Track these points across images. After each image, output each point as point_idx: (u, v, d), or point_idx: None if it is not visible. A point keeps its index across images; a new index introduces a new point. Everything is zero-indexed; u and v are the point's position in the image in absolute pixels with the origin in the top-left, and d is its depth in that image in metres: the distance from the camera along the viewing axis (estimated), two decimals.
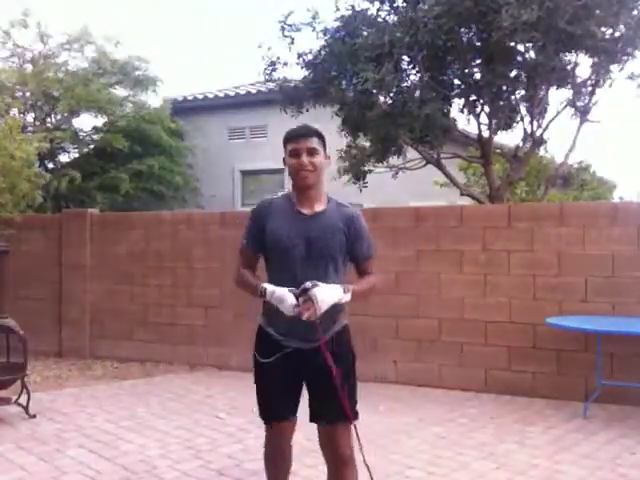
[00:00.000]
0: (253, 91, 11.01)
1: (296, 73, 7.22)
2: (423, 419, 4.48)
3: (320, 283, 2.29)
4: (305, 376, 2.50)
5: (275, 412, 2.50)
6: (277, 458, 2.58)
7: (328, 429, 2.45)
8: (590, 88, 6.65)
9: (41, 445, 3.88)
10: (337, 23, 6.73)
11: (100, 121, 9.65)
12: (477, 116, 7.01)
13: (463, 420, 4.46)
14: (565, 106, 6.80)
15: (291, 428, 2.53)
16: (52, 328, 6.93)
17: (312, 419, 2.48)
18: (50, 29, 9.40)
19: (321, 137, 2.47)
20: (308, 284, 2.25)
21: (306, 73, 6.96)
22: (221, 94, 11.43)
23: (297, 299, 2.26)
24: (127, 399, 5.07)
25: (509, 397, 5.08)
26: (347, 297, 2.35)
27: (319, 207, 2.47)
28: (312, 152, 2.41)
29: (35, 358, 6.16)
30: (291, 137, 2.45)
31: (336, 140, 7.39)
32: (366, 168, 7.26)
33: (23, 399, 4.47)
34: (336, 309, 2.40)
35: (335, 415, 2.41)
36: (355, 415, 2.47)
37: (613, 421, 4.41)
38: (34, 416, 4.45)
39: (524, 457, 3.67)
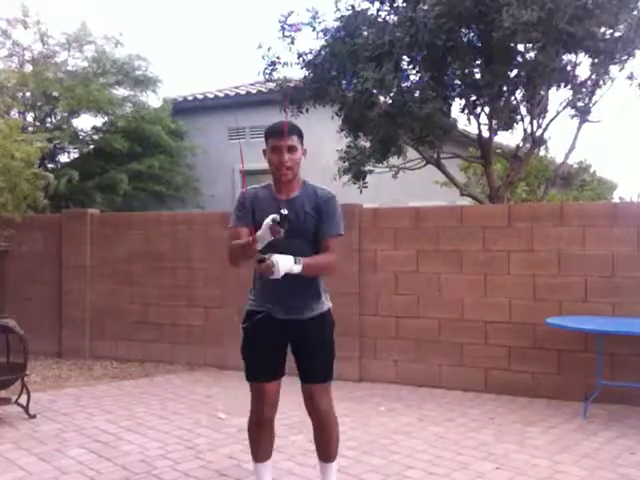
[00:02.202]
0: (253, 91, 11.01)
1: (296, 73, 7.22)
2: (423, 419, 4.48)
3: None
4: (288, 342, 2.78)
5: (256, 372, 2.74)
6: (260, 424, 2.80)
7: (306, 388, 2.76)
8: (590, 88, 6.66)
9: (41, 445, 3.87)
10: (337, 23, 6.73)
11: (100, 121, 9.66)
12: (477, 116, 7.01)
13: (463, 420, 4.46)
14: (565, 106, 6.81)
15: (272, 390, 2.74)
16: (52, 328, 6.93)
17: (299, 376, 2.79)
18: (50, 29, 9.39)
19: (300, 134, 2.71)
20: (284, 211, 2.45)
21: (306, 73, 6.96)
22: (221, 94, 11.43)
23: (274, 222, 2.41)
24: (127, 399, 5.07)
25: (509, 397, 5.08)
26: (297, 268, 2.53)
27: (294, 193, 2.72)
28: (292, 149, 2.64)
29: (35, 358, 6.16)
30: (273, 134, 2.65)
31: (336, 140, 7.40)
32: (366, 168, 7.25)
33: (23, 399, 4.47)
34: (309, 294, 2.72)
35: (312, 378, 2.74)
36: (330, 377, 2.79)
37: (613, 421, 4.41)
38: (34, 416, 4.45)
39: (524, 457, 3.67)
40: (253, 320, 2.75)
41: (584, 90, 6.66)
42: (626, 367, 4.77)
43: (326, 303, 2.83)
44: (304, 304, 2.74)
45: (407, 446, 3.86)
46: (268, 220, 2.43)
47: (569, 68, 6.55)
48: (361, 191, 7.25)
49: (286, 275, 2.50)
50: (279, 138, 2.61)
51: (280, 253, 2.51)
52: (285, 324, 2.74)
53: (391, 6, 6.80)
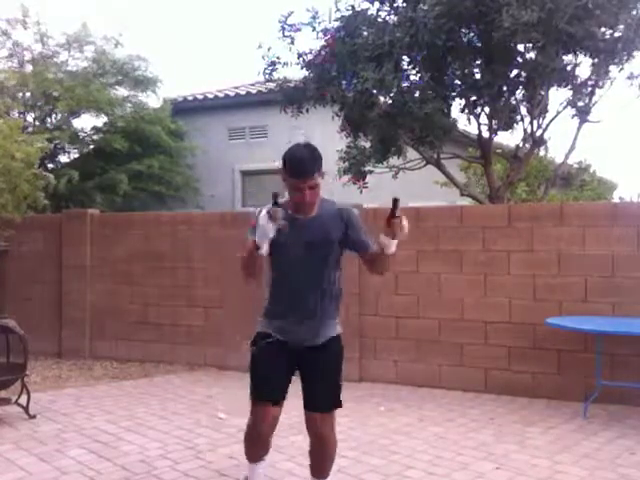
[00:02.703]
0: (253, 91, 11.00)
1: (296, 73, 7.22)
2: (423, 419, 4.48)
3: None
4: (297, 366, 2.74)
5: (263, 393, 2.69)
6: (258, 438, 2.78)
7: (310, 415, 2.72)
8: (590, 88, 6.66)
9: (41, 445, 3.87)
10: (337, 23, 6.73)
11: (100, 121, 9.66)
12: (477, 116, 7.01)
13: (463, 420, 4.46)
14: (565, 106, 6.81)
15: (275, 413, 2.70)
16: (52, 328, 6.93)
17: (303, 401, 2.75)
18: (50, 29, 9.39)
19: (319, 164, 2.57)
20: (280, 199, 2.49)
21: (306, 73, 6.96)
22: (221, 94, 11.43)
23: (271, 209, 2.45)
24: (127, 399, 5.07)
25: (509, 397, 5.08)
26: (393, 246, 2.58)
27: (313, 212, 2.66)
28: (313, 187, 2.55)
29: (35, 358, 6.16)
30: (294, 175, 2.52)
31: (336, 140, 7.40)
32: (366, 168, 7.26)
33: (23, 399, 4.47)
34: (329, 319, 2.72)
35: (316, 406, 2.71)
36: (337, 404, 2.75)
37: (613, 421, 4.41)
38: (34, 416, 4.45)
39: (524, 457, 3.67)
40: (262, 343, 2.71)
41: (584, 90, 6.66)
42: (626, 367, 4.77)
43: (338, 327, 2.78)
44: (317, 331, 2.70)
45: (407, 446, 3.86)
46: (263, 213, 2.44)
47: (569, 68, 6.55)
48: (361, 191, 7.25)
49: (308, 284, 2.60)
50: (300, 181, 2.51)
51: (299, 269, 2.59)
52: (298, 350, 2.70)
53: (391, 6, 6.80)
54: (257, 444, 2.82)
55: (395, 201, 2.52)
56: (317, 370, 2.72)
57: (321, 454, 2.82)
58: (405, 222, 2.54)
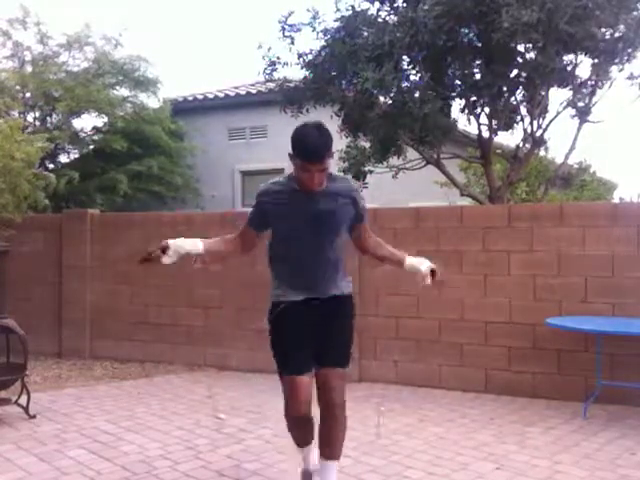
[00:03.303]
0: (253, 91, 11.01)
1: (296, 73, 7.22)
2: (423, 419, 4.48)
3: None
4: (311, 327, 2.71)
5: (290, 365, 2.67)
6: (300, 423, 2.77)
7: (321, 373, 2.68)
8: (590, 89, 6.66)
9: (41, 445, 3.87)
10: (337, 23, 6.74)
11: (100, 122, 9.67)
12: (477, 116, 7.01)
13: (463, 420, 4.46)
14: (565, 106, 6.81)
15: (307, 384, 2.66)
16: (52, 328, 6.93)
17: (315, 360, 2.71)
18: (50, 30, 9.41)
19: (330, 148, 2.56)
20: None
21: (306, 73, 6.96)
22: (221, 94, 11.44)
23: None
24: (127, 399, 5.07)
25: (509, 397, 5.07)
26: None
27: (322, 186, 2.63)
28: (323, 170, 2.54)
29: (35, 358, 6.15)
30: (304, 157, 2.50)
31: (336, 140, 7.40)
32: (366, 168, 7.26)
33: (23, 399, 4.47)
34: (335, 273, 2.75)
35: (327, 359, 2.68)
36: (346, 363, 2.74)
37: (613, 421, 4.41)
38: (34, 416, 4.45)
39: (524, 457, 3.67)
40: (279, 309, 2.74)
41: (584, 90, 6.67)
42: (626, 367, 4.76)
43: (350, 286, 2.84)
44: (330, 280, 2.74)
45: (407, 446, 3.86)
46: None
47: (569, 68, 6.56)
48: (361, 191, 7.24)
49: (314, 255, 2.64)
50: (310, 164, 2.49)
51: (304, 241, 2.63)
52: (310, 306, 2.71)
53: (391, 6, 6.81)
54: (299, 423, 2.79)
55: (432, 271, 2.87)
56: (330, 327, 2.72)
57: (334, 429, 2.72)
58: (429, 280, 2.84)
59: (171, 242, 2.60)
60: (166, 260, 2.59)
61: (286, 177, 2.71)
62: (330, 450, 2.78)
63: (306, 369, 2.67)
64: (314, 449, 2.93)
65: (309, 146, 2.47)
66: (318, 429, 2.79)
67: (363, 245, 2.91)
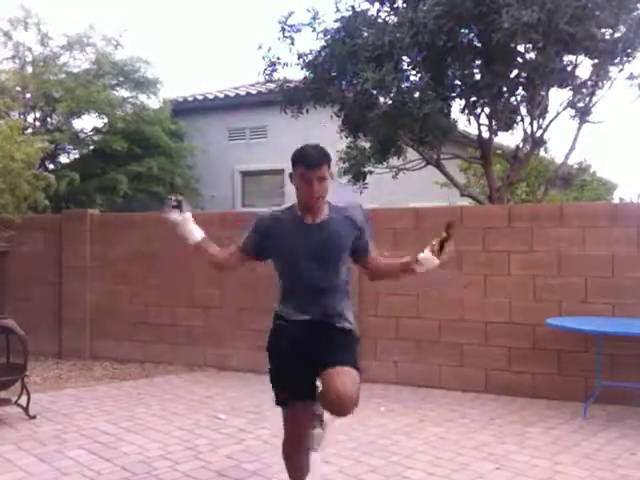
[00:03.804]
0: (253, 92, 11.01)
1: (296, 74, 7.23)
2: (423, 420, 4.48)
3: None
4: (315, 351, 2.56)
5: (289, 393, 2.61)
6: (298, 450, 2.67)
7: (328, 372, 2.47)
8: (590, 89, 6.66)
9: (41, 446, 3.87)
10: (337, 24, 6.74)
11: (100, 122, 9.67)
12: (477, 117, 7.01)
13: (463, 421, 4.46)
14: (565, 107, 6.81)
15: (306, 412, 2.60)
16: (52, 329, 6.93)
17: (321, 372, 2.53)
18: (50, 30, 9.41)
19: (329, 159, 2.60)
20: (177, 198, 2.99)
21: (306, 74, 6.96)
22: (221, 95, 11.44)
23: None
24: (127, 400, 5.07)
25: (509, 398, 5.07)
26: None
27: (322, 216, 2.63)
28: (322, 179, 2.55)
29: (35, 359, 6.15)
30: (303, 164, 2.55)
31: (336, 141, 7.40)
32: (366, 169, 7.26)
33: (23, 400, 4.47)
34: (341, 302, 2.65)
35: (336, 362, 2.48)
36: (354, 363, 2.54)
37: (613, 422, 4.41)
38: (34, 417, 4.45)
39: (524, 458, 3.67)
40: (282, 325, 2.67)
41: (584, 91, 6.66)
42: (626, 368, 4.76)
43: (354, 324, 2.71)
44: (336, 308, 2.63)
45: (407, 447, 3.86)
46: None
47: (569, 69, 6.55)
48: (361, 192, 7.25)
49: (315, 282, 2.58)
50: (309, 169, 2.52)
51: (307, 280, 2.59)
52: (314, 331, 2.59)
53: (391, 7, 6.81)
54: (299, 457, 2.69)
55: (450, 225, 2.65)
56: (333, 346, 2.56)
57: (336, 411, 2.49)
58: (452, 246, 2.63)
59: (188, 213, 2.91)
60: (172, 215, 2.89)
61: (287, 207, 2.73)
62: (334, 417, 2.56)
63: (305, 398, 2.59)
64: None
65: (308, 153, 2.56)
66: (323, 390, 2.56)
67: (372, 274, 2.81)
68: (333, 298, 2.65)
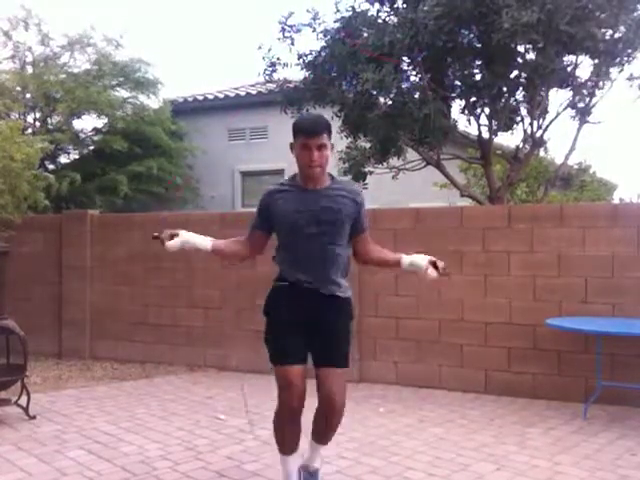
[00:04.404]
0: (253, 92, 11.01)
1: (296, 74, 7.23)
2: (423, 420, 4.48)
3: None
4: (308, 323, 2.71)
5: (283, 354, 2.68)
6: (288, 417, 2.70)
7: (320, 372, 2.69)
8: (590, 89, 6.66)
9: (41, 446, 3.87)
10: (337, 24, 6.74)
11: (100, 122, 9.67)
12: (477, 117, 7.01)
13: (463, 421, 4.45)
14: (565, 107, 6.81)
15: (300, 375, 2.65)
16: (52, 329, 6.93)
17: (314, 363, 2.74)
18: (51, 30, 9.42)
19: (329, 130, 2.66)
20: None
21: (306, 74, 6.96)
22: (221, 95, 11.44)
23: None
24: (127, 400, 5.06)
25: (509, 398, 5.07)
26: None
27: (323, 185, 2.72)
28: (322, 147, 2.61)
29: (35, 359, 6.15)
30: (303, 131, 2.61)
31: (336, 141, 7.40)
32: (366, 169, 7.25)
33: (23, 400, 4.47)
34: (337, 270, 2.75)
35: (326, 359, 2.70)
36: (345, 364, 2.75)
37: (613, 422, 4.41)
38: (34, 417, 4.45)
39: (524, 458, 3.67)
40: (277, 292, 2.78)
41: (584, 91, 6.66)
42: (626, 368, 4.76)
43: (349, 291, 2.85)
44: (332, 276, 2.74)
45: (407, 447, 3.86)
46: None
47: (569, 69, 6.55)
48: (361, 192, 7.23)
49: (317, 250, 2.67)
50: (309, 137, 2.58)
51: (308, 238, 2.65)
52: (310, 296, 2.72)
53: (391, 7, 6.80)
54: (288, 426, 2.73)
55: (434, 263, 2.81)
56: (330, 326, 2.73)
57: (330, 423, 2.74)
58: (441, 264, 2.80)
59: (182, 232, 2.79)
60: (169, 245, 2.76)
61: (289, 177, 2.81)
62: (324, 438, 2.87)
63: (300, 360, 2.68)
64: (296, 464, 2.88)
65: (307, 121, 2.67)
66: (314, 418, 2.79)
67: (364, 257, 2.92)
68: (332, 266, 2.73)
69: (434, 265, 2.82)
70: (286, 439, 2.79)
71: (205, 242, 2.83)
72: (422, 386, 5.43)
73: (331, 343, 2.73)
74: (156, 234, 2.79)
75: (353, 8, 6.72)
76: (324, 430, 2.80)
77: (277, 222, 2.74)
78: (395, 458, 3.66)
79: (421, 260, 2.84)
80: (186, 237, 2.79)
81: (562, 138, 7.78)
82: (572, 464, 3.58)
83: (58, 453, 3.75)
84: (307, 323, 2.73)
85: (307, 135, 2.58)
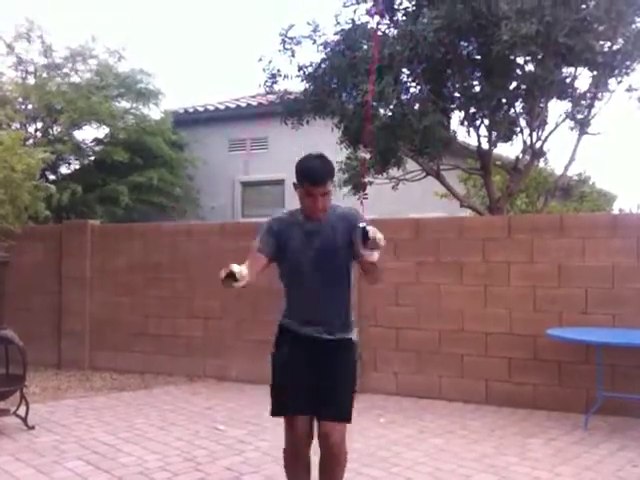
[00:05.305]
0: (254, 103, 11.06)
1: (296, 85, 7.27)
2: (424, 431, 4.46)
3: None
4: (315, 371, 2.68)
5: (287, 404, 2.65)
6: (296, 457, 2.71)
7: (322, 424, 2.64)
8: (589, 101, 6.69)
9: (39, 457, 3.85)
10: (337, 36, 6.78)
11: (101, 133, 9.71)
12: (477, 128, 7.04)
13: (464, 432, 4.44)
14: (564, 118, 6.84)
15: (306, 425, 2.65)
16: (51, 339, 6.92)
17: (314, 413, 2.68)
18: (53, 41, 9.45)
19: (332, 174, 2.71)
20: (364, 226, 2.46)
21: (306, 85, 7.00)
22: (222, 106, 11.49)
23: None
24: (126, 410, 5.05)
25: (510, 409, 5.05)
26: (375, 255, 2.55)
27: (326, 219, 2.70)
28: (326, 194, 2.63)
29: (34, 369, 6.13)
30: (309, 180, 2.60)
31: (336, 152, 7.42)
32: (366, 180, 7.26)
33: (22, 410, 4.45)
34: (342, 312, 2.74)
35: (329, 413, 2.64)
36: (347, 416, 2.67)
37: (614, 433, 4.39)
38: (33, 427, 4.43)
39: (525, 469, 3.65)
40: (284, 337, 2.74)
41: (583, 102, 6.69)
42: (627, 379, 4.75)
43: (355, 334, 2.80)
44: (336, 319, 2.72)
45: (408, 458, 3.84)
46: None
47: (568, 81, 6.59)
48: (361, 202, 7.25)
49: (323, 290, 2.66)
50: (315, 186, 2.59)
51: (311, 274, 2.64)
52: (315, 344, 2.69)
53: (391, 20, 6.85)
54: (297, 465, 2.73)
55: (364, 229, 2.45)
56: (334, 375, 2.68)
57: (332, 467, 2.72)
58: (379, 235, 2.43)
59: (236, 269, 2.41)
60: (238, 285, 2.43)
61: (294, 210, 2.80)
62: None
63: (305, 411, 2.65)
64: None
65: (312, 170, 2.62)
66: (319, 467, 2.76)
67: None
68: (335, 306, 2.72)
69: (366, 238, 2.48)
70: (295, 476, 2.78)
71: (250, 277, 2.55)
72: (422, 397, 5.41)
73: (334, 395, 2.66)
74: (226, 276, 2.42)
75: (353, 21, 6.77)
76: (326, 474, 2.75)
77: (280, 253, 2.70)
78: (396, 469, 3.65)
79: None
80: (242, 272, 2.43)
81: (561, 149, 7.80)
82: (573, 475, 3.56)
83: (56, 464, 3.73)
84: (312, 369, 2.68)
85: (312, 184, 2.59)
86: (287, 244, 2.69)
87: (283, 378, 2.71)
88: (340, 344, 2.73)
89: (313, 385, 2.67)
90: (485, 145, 7.15)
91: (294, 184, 2.68)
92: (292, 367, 2.69)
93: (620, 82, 6.52)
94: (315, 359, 2.69)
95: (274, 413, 2.72)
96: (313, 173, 2.60)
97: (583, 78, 6.69)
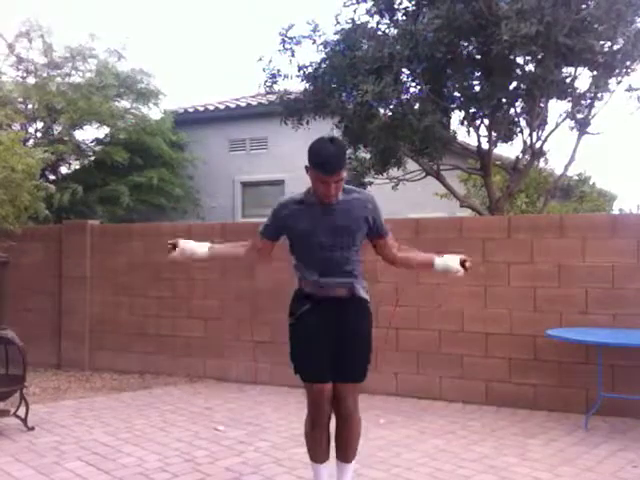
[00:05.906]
0: (254, 103, 11.06)
1: (296, 85, 7.27)
2: (424, 432, 4.46)
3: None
4: (334, 336, 2.81)
5: (313, 371, 2.77)
6: (318, 427, 2.82)
7: (339, 386, 2.79)
8: (589, 101, 6.69)
9: (39, 457, 3.85)
10: (337, 36, 6.79)
11: (101, 133, 9.71)
12: (477, 128, 7.04)
13: (464, 433, 4.43)
14: (564, 118, 6.83)
15: (330, 392, 2.77)
16: (51, 340, 6.92)
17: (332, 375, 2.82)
18: (54, 41, 9.44)
19: (345, 162, 2.70)
20: None
21: (306, 85, 7.00)
22: (222, 106, 11.49)
23: None
24: (126, 411, 5.04)
25: (510, 409, 5.05)
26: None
27: (336, 201, 2.75)
28: (339, 181, 2.67)
29: (34, 370, 6.13)
30: (322, 170, 2.63)
31: None
32: (366, 180, 7.27)
33: (22, 411, 4.45)
34: (355, 270, 2.86)
35: (343, 375, 2.80)
36: (362, 377, 2.89)
37: (615, 433, 4.39)
38: (32, 428, 4.43)
39: (525, 470, 3.65)
40: (302, 310, 2.83)
41: (583, 102, 6.69)
42: (627, 379, 4.75)
43: (367, 292, 2.97)
44: (351, 276, 2.84)
45: (407, 459, 3.84)
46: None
47: (568, 81, 6.58)
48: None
49: (335, 257, 2.75)
50: (327, 176, 2.63)
51: (324, 253, 2.74)
52: (332, 305, 2.81)
53: (391, 19, 6.85)
54: (319, 434, 2.84)
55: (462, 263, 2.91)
56: (351, 340, 2.85)
57: (346, 433, 2.87)
58: (468, 263, 2.89)
59: (181, 241, 2.89)
60: (172, 255, 2.87)
61: (304, 192, 2.84)
62: (345, 453, 2.93)
63: (327, 377, 2.78)
64: (327, 472, 2.95)
65: (325, 159, 2.62)
66: (334, 434, 2.90)
67: (391, 258, 3.03)
68: (344, 261, 2.81)
69: (463, 264, 2.89)
70: (320, 447, 2.89)
71: (203, 248, 2.94)
72: (422, 397, 5.41)
73: (349, 357, 2.83)
74: (172, 242, 2.91)
75: (353, 20, 6.78)
76: (341, 441, 2.90)
77: (292, 237, 2.83)
78: (395, 470, 3.64)
79: (453, 263, 2.91)
80: (183, 245, 2.90)
81: (561, 149, 7.81)
82: (573, 476, 3.55)
83: (56, 465, 3.72)
84: (329, 330, 2.81)
85: (325, 174, 2.62)
86: (296, 225, 2.76)
87: (308, 347, 2.79)
88: (355, 303, 2.89)
89: (333, 352, 2.79)
90: (485, 145, 7.15)
91: (306, 167, 2.70)
92: (314, 336, 2.78)
93: (620, 82, 6.52)
94: (334, 323, 2.81)
95: (306, 379, 2.80)
96: (327, 163, 2.61)
97: (583, 78, 6.70)
